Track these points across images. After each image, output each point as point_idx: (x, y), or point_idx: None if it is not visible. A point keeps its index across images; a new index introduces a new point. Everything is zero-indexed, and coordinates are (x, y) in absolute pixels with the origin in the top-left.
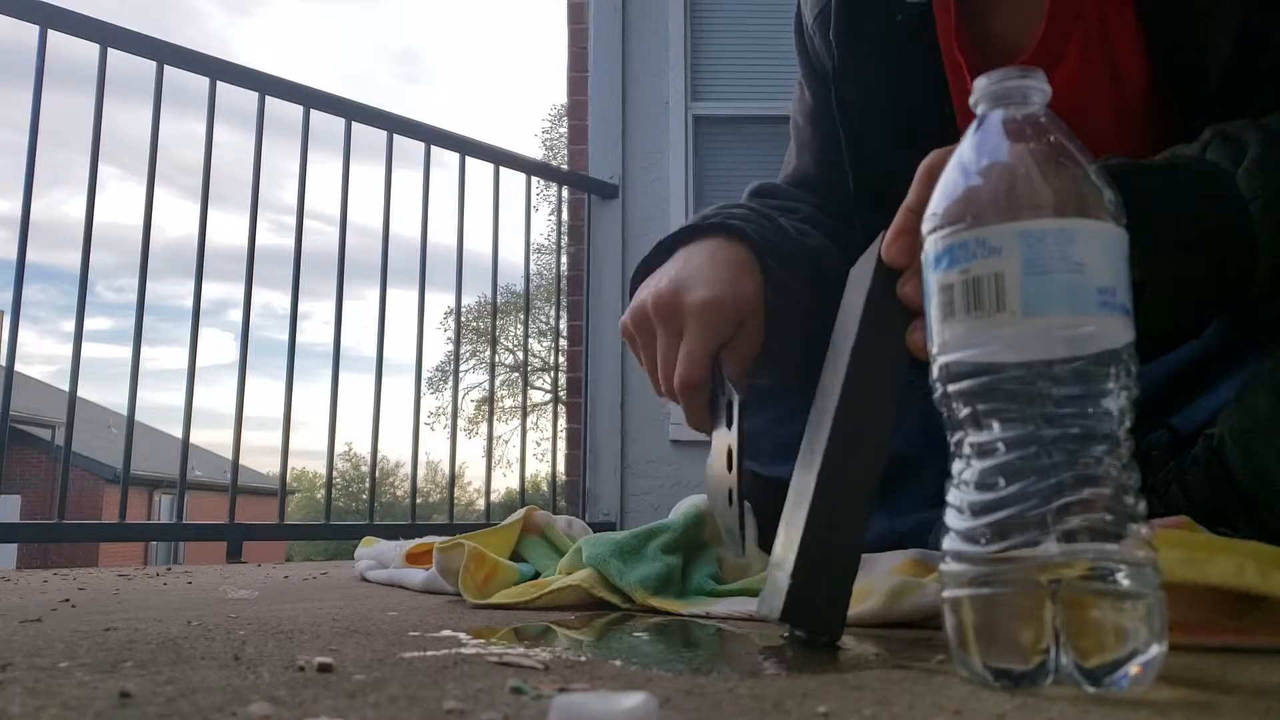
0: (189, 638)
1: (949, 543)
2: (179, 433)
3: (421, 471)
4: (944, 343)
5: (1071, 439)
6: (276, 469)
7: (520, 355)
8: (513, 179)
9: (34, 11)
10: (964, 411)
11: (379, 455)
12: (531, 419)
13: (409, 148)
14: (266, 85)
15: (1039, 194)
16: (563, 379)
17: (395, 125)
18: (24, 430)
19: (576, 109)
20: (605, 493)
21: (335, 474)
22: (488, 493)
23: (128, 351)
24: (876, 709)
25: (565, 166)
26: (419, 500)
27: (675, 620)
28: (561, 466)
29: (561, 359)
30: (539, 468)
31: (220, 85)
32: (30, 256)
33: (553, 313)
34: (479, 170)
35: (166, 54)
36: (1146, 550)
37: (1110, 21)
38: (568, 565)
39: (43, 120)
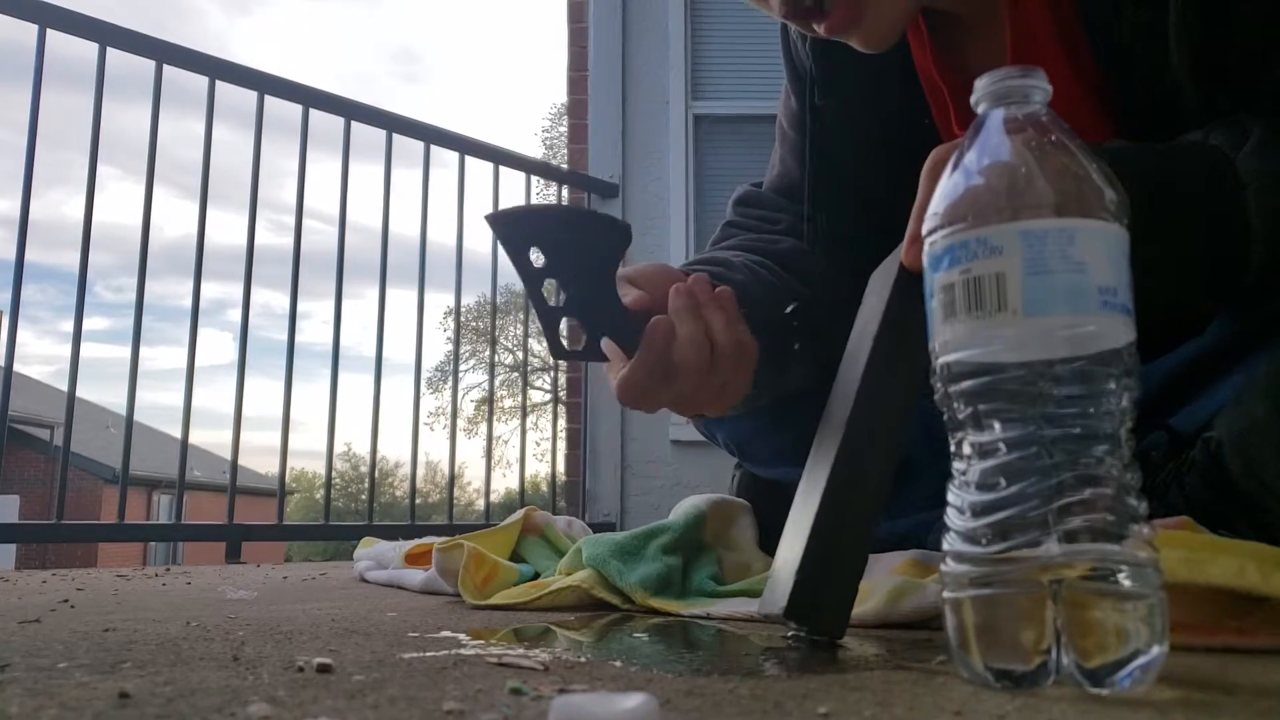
0: (188, 638)
1: (950, 543)
2: (178, 433)
3: (421, 472)
4: (945, 342)
5: (1073, 439)
6: (275, 469)
7: (520, 355)
8: (513, 178)
9: (33, 11)
10: (965, 411)
11: (378, 455)
12: (531, 419)
13: (408, 147)
14: (266, 84)
15: (1040, 193)
16: (562, 379)
17: (395, 124)
18: (23, 430)
19: (576, 108)
20: (605, 493)
21: (334, 474)
22: (487, 493)
23: (126, 351)
24: (877, 710)
25: (565, 166)
26: (418, 500)
27: (675, 621)
28: (561, 467)
29: None
30: (539, 468)
31: (219, 84)
32: (29, 256)
33: None
34: (479, 170)
35: (165, 53)
36: (1148, 551)
37: (1074, 52)
38: (567, 566)
39: (42, 120)
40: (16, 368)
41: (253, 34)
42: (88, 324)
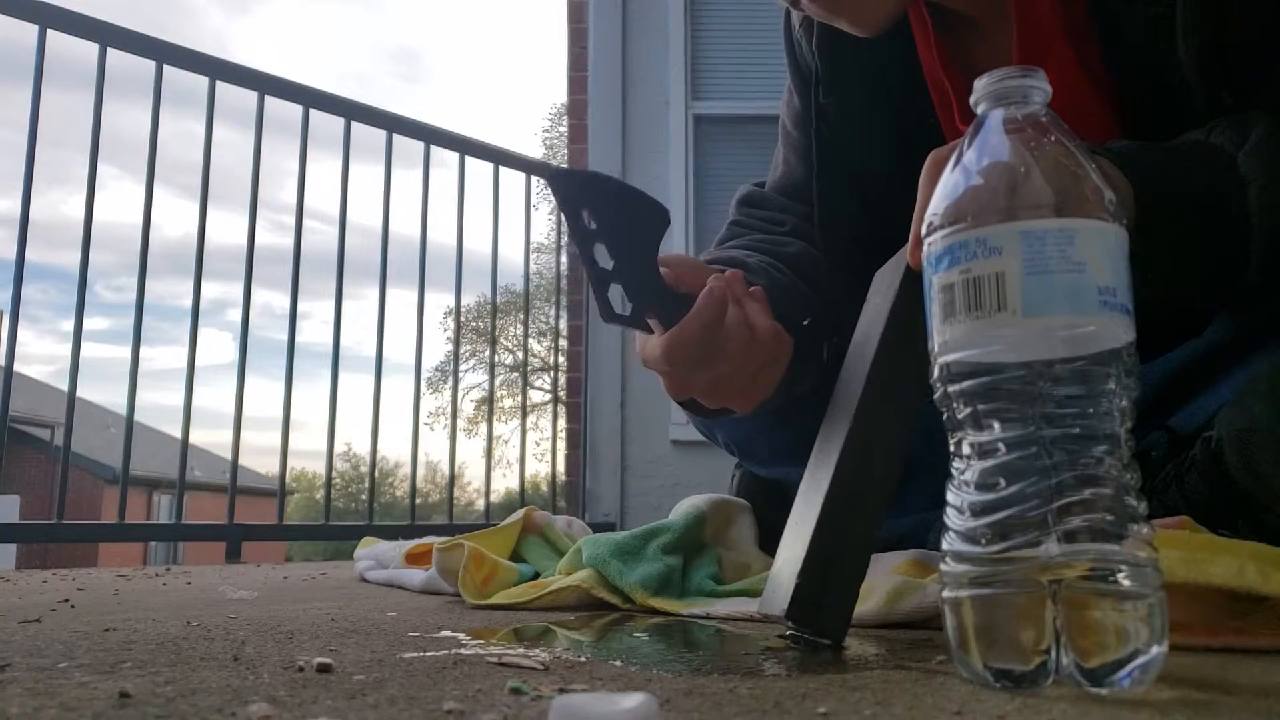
0: (188, 638)
1: (949, 543)
2: (178, 433)
3: (421, 472)
4: (945, 343)
5: (1072, 439)
6: (276, 469)
7: (520, 355)
8: (512, 178)
9: (33, 11)
10: (965, 411)
11: (378, 455)
12: (531, 419)
13: (408, 147)
14: (265, 84)
15: (1039, 193)
16: (562, 379)
17: (395, 125)
18: (23, 430)
19: (576, 108)
20: (605, 493)
21: (334, 474)
22: (487, 493)
23: (126, 351)
24: (877, 710)
25: (565, 166)
26: (418, 500)
27: (675, 621)
28: (561, 467)
29: (561, 359)
30: (539, 468)
31: (219, 85)
32: (29, 256)
33: (552, 312)
34: (478, 169)
35: (165, 53)
36: (1148, 551)
37: (1081, 51)
38: (567, 566)
39: (42, 120)
40: (17, 367)
41: (253, 34)
42: (88, 324)
